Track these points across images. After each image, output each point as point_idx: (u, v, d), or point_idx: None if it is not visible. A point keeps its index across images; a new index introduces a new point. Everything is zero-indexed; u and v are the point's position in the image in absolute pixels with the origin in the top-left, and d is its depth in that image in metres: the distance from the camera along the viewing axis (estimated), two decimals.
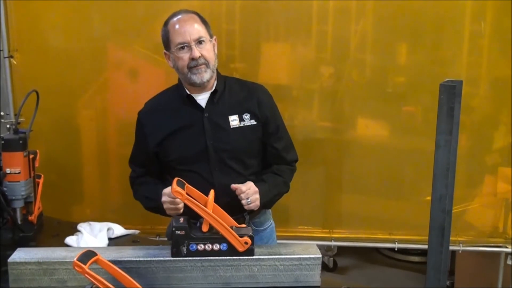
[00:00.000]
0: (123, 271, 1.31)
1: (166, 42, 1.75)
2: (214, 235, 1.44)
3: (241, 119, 1.76)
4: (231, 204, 1.67)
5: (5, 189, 1.83)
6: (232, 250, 1.44)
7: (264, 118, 1.79)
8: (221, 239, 1.43)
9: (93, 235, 1.79)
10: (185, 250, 1.43)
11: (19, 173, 1.83)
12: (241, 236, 1.43)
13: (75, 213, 2.49)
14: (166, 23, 1.76)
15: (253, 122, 1.77)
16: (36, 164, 1.95)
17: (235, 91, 1.81)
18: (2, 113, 2.35)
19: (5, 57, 2.40)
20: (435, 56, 2.41)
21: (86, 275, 1.24)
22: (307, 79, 2.46)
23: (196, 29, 1.70)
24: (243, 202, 1.68)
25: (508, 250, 2.51)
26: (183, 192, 1.43)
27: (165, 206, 1.67)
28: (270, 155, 1.84)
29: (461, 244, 2.48)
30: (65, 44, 2.44)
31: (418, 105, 2.46)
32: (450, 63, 2.42)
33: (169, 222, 1.49)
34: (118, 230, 1.88)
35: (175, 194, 1.43)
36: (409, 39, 2.41)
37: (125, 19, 2.42)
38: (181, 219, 1.46)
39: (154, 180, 1.84)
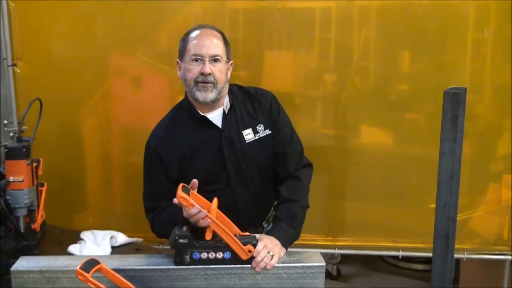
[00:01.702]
0: (126, 279, 1.31)
1: (182, 51, 1.68)
2: (217, 244, 1.43)
3: (255, 132, 1.71)
4: (253, 215, 1.66)
5: (8, 197, 1.83)
6: (235, 259, 1.43)
7: (274, 121, 1.74)
8: (225, 247, 1.42)
9: (96, 244, 1.79)
10: (188, 258, 1.42)
11: (22, 181, 1.83)
12: (244, 244, 1.42)
13: (78, 221, 2.50)
14: (188, 33, 1.70)
15: (267, 132, 1.72)
16: (39, 172, 1.96)
17: (243, 103, 1.75)
18: (5, 122, 2.36)
19: (8, 66, 2.42)
20: (438, 64, 2.41)
21: (89, 283, 1.24)
22: (310, 87, 2.47)
23: (215, 45, 1.65)
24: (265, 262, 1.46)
25: None
26: (188, 198, 1.41)
27: (192, 219, 1.45)
28: (277, 161, 1.75)
29: (465, 252, 2.47)
30: (68, 52, 2.45)
31: (422, 112, 2.46)
32: (453, 71, 2.42)
33: (172, 231, 1.48)
34: (121, 238, 1.88)
35: (180, 200, 1.40)
36: (412, 46, 2.42)
37: (128, 27, 2.44)
38: (184, 228, 1.45)
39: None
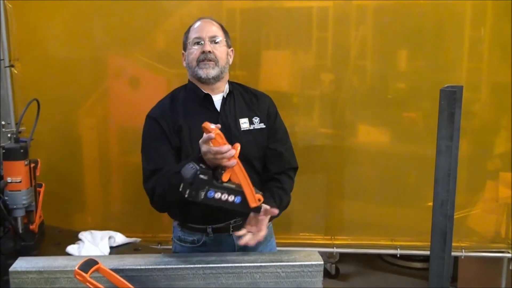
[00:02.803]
0: (124, 279, 1.31)
1: (185, 41, 1.78)
2: (232, 185, 1.44)
3: (251, 122, 1.76)
4: None
5: (6, 198, 1.83)
6: (244, 205, 1.44)
7: (271, 123, 1.80)
8: (237, 192, 1.44)
9: (94, 244, 1.79)
10: (202, 195, 1.41)
11: (20, 182, 1.83)
12: (257, 192, 1.45)
13: (76, 221, 2.50)
14: (189, 26, 1.80)
15: (262, 125, 1.77)
16: (37, 173, 1.96)
17: (242, 95, 1.81)
18: (3, 122, 2.36)
19: (6, 67, 2.42)
20: (436, 62, 2.42)
21: (88, 283, 1.24)
22: (308, 86, 2.47)
23: (214, 29, 1.75)
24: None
25: (511, 255, 2.51)
26: (217, 128, 1.41)
27: (218, 156, 1.41)
28: (272, 158, 1.80)
29: (463, 250, 2.48)
30: (65, 53, 2.45)
31: (419, 111, 2.46)
32: (451, 69, 2.43)
33: (185, 168, 1.43)
34: (120, 238, 1.88)
35: (216, 136, 1.38)
36: (409, 45, 2.42)
37: (125, 28, 2.44)
38: (203, 165, 1.44)
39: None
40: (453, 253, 2.50)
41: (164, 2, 2.40)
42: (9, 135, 1.92)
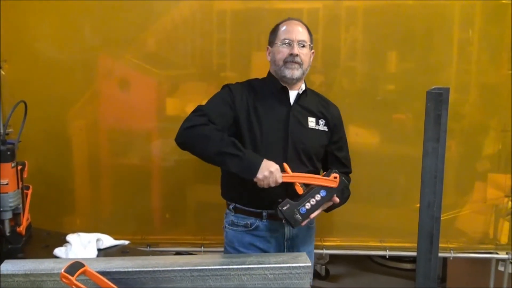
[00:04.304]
0: (111, 282, 1.30)
1: (273, 38, 1.94)
2: (309, 191, 1.71)
3: (317, 123, 1.93)
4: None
5: None
6: (330, 191, 1.72)
7: (334, 127, 1.97)
8: (317, 189, 1.70)
9: (82, 246, 1.77)
10: (299, 217, 1.68)
11: (7, 184, 1.81)
12: (328, 176, 1.73)
13: (65, 224, 2.48)
14: (277, 24, 1.96)
15: (325, 128, 1.95)
16: (25, 175, 1.94)
17: (313, 98, 1.99)
18: None
19: None
20: (425, 64, 2.42)
21: (74, 286, 1.23)
22: None
23: (302, 32, 1.91)
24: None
25: (499, 256, 2.52)
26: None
27: (266, 173, 1.70)
28: (332, 162, 1.99)
29: (452, 251, 2.49)
30: (54, 54, 2.42)
31: (409, 112, 2.47)
32: (440, 71, 2.44)
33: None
34: (108, 241, 1.86)
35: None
36: (399, 46, 2.43)
37: (115, 29, 2.42)
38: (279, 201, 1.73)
39: None
40: (441, 254, 2.53)
41: (155, 2, 2.39)
42: None
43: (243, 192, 1.87)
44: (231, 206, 1.94)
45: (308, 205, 1.68)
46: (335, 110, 2.02)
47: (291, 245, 1.91)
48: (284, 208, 1.66)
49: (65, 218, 2.50)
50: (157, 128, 2.48)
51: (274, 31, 1.95)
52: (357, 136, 2.45)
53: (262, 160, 1.72)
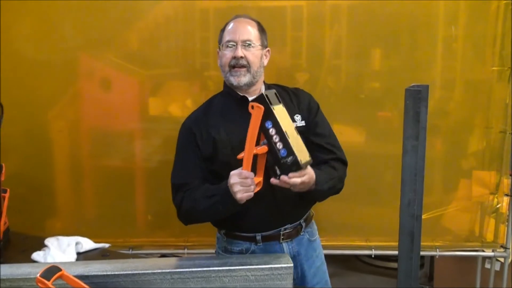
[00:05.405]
0: (89, 286, 1.28)
1: (220, 40, 1.77)
2: (264, 138, 1.49)
3: (293, 120, 1.71)
4: (290, 209, 1.68)
5: None
6: (267, 115, 1.47)
7: (312, 117, 1.79)
8: (262, 127, 1.47)
9: (61, 250, 1.76)
10: (292, 157, 1.46)
11: None
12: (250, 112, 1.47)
13: (45, 227, 2.45)
14: (225, 25, 1.79)
15: (303, 123, 1.75)
16: (2, 178, 1.91)
17: (280, 95, 1.74)
18: None
19: None
20: (410, 61, 2.43)
21: None
22: None
23: (248, 31, 1.72)
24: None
25: (485, 254, 2.54)
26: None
27: (235, 188, 1.50)
28: (313, 151, 1.69)
29: (437, 249, 2.50)
30: (34, 54, 2.39)
31: (394, 110, 2.47)
32: (425, 68, 2.45)
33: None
34: (87, 244, 1.85)
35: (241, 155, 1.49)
36: (384, 44, 2.43)
37: (97, 28, 2.39)
38: None
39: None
40: (427, 253, 2.54)
41: (136, 2, 2.37)
42: None
43: (229, 216, 1.67)
44: (221, 231, 1.80)
45: (279, 144, 1.45)
46: (305, 97, 1.83)
47: (295, 265, 1.70)
48: (278, 172, 1.47)
49: (46, 222, 2.47)
50: (139, 129, 2.46)
51: (221, 33, 1.78)
52: (342, 135, 2.43)
53: (226, 184, 1.54)
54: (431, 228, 2.47)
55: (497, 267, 2.62)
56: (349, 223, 2.50)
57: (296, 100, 1.80)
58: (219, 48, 1.77)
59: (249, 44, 1.70)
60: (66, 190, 2.49)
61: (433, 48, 2.41)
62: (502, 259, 2.60)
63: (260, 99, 1.47)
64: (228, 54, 1.70)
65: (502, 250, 2.51)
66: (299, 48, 2.43)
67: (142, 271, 1.40)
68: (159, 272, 1.40)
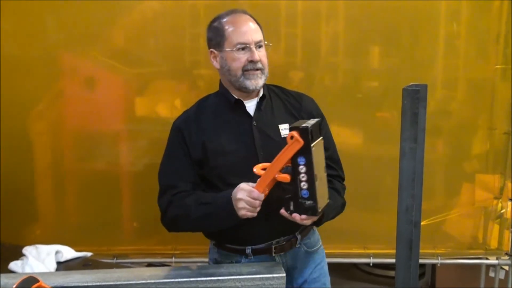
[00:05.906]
0: None
1: (219, 40, 1.68)
2: (291, 171, 1.44)
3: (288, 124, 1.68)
4: (285, 221, 1.59)
5: None
6: (304, 152, 1.41)
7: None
8: (294, 161, 1.43)
9: (39, 260, 1.74)
10: (311, 202, 1.43)
11: None
12: (288, 142, 1.42)
13: (25, 235, 2.42)
14: (218, 20, 1.72)
15: None
16: None
17: (280, 98, 1.77)
18: None
19: None
20: (411, 59, 2.43)
21: None
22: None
23: (257, 31, 1.68)
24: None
25: (489, 262, 2.53)
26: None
27: (240, 204, 1.48)
28: None
29: (439, 257, 2.49)
30: (15, 52, 2.37)
31: (393, 110, 2.47)
32: (426, 66, 2.44)
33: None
34: (68, 253, 1.83)
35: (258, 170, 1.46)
36: (382, 41, 2.43)
37: (81, 24, 2.37)
38: None
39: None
40: (428, 261, 2.53)
41: None
42: None
43: (223, 230, 1.66)
44: (212, 242, 1.79)
45: (303, 184, 1.41)
46: (309, 103, 1.80)
47: (290, 280, 1.69)
48: (291, 208, 1.45)
49: (24, 229, 2.44)
50: (125, 130, 2.44)
51: (219, 31, 1.69)
52: (339, 136, 2.42)
53: (230, 196, 1.52)
54: (432, 234, 2.46)
55: (501, 275, 2.61)
56: (346, 229, 2.47)
57: (296, 104, 1.77)
58: (219, 49, 1.70)
59: (261, 45, 1.68)
60: (47, 195, 2.46)
61: (434, 45, 2.41)
62: (506, 267, 2.59)
63: (303, 131, 1.40)
64: (242, 57, 1.64)
65: (506, 257, 2.51)
66: (293, 45, 2.42)
67: (126, 282, 1.38)
68: (143, 283, 1.39)
